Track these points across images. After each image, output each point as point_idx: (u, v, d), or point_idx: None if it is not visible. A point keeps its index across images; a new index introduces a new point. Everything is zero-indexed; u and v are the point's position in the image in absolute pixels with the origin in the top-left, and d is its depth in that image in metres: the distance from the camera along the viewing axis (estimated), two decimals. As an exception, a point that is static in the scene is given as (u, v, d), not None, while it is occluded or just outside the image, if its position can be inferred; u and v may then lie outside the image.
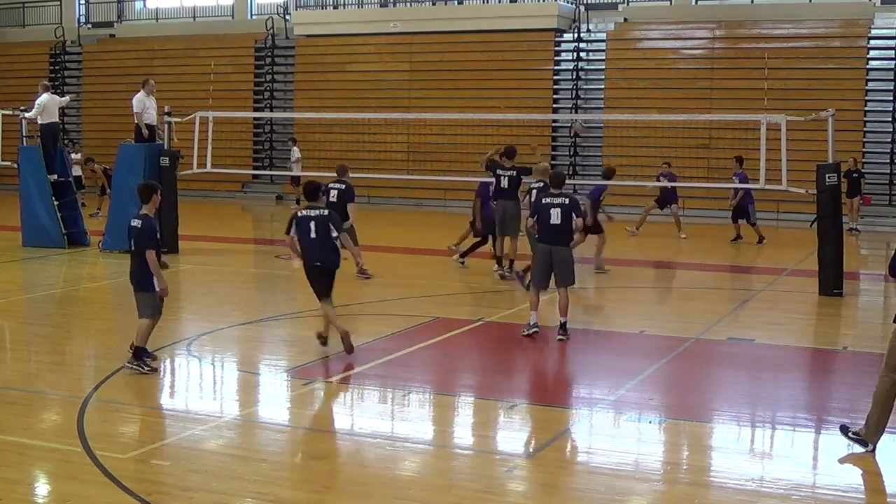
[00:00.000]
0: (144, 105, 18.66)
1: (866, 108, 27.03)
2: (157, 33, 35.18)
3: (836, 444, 8.20)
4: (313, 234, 11.15)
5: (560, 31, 30.17)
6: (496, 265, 16.02)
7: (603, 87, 29.50)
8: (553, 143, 29.84)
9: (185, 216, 19.33)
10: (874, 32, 27.38)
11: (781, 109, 19.05)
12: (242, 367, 11.11)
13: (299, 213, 11.35)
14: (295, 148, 29.73)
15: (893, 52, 27.09)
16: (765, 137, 15.81)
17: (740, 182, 20.71)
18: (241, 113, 30.57)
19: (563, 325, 11.87)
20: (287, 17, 33.37)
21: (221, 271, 17.38)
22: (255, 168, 32.44)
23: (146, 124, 18.69)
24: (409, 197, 29.02)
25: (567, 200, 12.00)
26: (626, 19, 30.05)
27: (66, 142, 27.18)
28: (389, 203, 29.03)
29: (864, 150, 26.60)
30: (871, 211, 25.67)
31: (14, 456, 7.81)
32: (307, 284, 10.91)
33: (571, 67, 29.74)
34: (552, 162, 29.01)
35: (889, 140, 26.84)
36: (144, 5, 36.71)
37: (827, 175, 14.93)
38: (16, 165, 20.26)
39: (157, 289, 10.12)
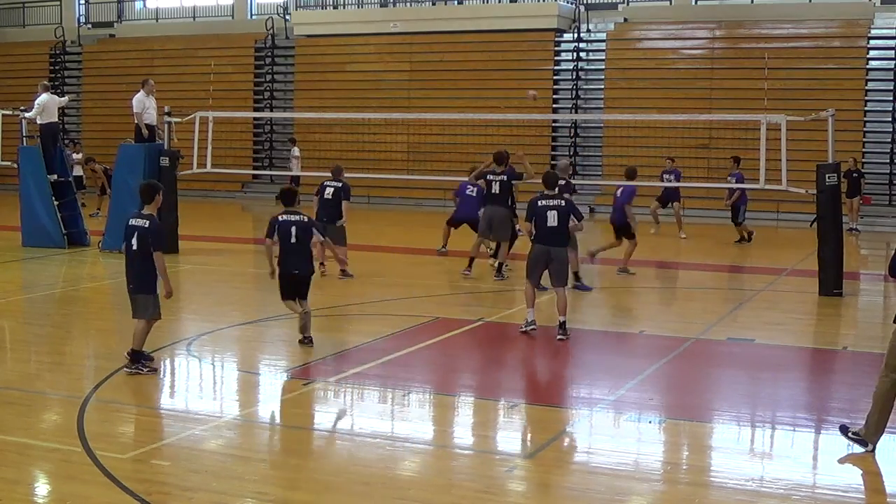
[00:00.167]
0: (144, 105, 18.66)
1: (866, 108, 27.05)
2: (157, 33, 35.19)
3: (836, 444, 8.20)
4: (293, 240, 11.25)
5: (560, 31, 30.18)
6: (467, 266, 16.05)
7: (603, 87, 29.52)
8: (553, 143, 29.85)
9: (185, 216, 19.33)
10: (874, 32, 27.39)
11: (781, 109, 19.05)
12: (242, 367, 11.11)
13: (280, 218, 11.39)
14: (295, 148, 29.74)
15: (893, 52, 27.11)
16: (765, 137, 15.80)
17: (737, 182, 20.70)
18: (241, 113, 30.57)
19: (562, 325, 11.88)
20: (287, 17, 33.37)
21: (221, 271, 17.38)
22: (255, 168, 32.45)
23: (146, 124, 18.69)
24: (409, 197, 29.03)
25: (563, 202, 12.10)
26: (626, 19, 30.06)
27: (66, 142, 27.21)
28: (389, 203, 29.05)
29: (864, 150, 26.62)
30: (871, 211, 25.68)
31: (14, 456, 7.81)
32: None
33: (571, 67, 29.75)
34: (551, 162, 29.06)
35: (889, 140, 26.85)
36: (144, 5, 36.71)
37: (827, 175, 14.94)
38: (16, 165, 20.27)
39: (165, 291, 10.12)
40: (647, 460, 8.10)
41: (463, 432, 8.93)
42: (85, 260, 18.73)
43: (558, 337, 11.84)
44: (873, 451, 7.90)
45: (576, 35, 29.86)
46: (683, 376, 10.78)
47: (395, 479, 7.45)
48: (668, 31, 29.62)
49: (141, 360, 10.09)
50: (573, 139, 29.40)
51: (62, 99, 21.65)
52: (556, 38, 30.18)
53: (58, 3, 36.71)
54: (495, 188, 15.87)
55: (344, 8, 34.05)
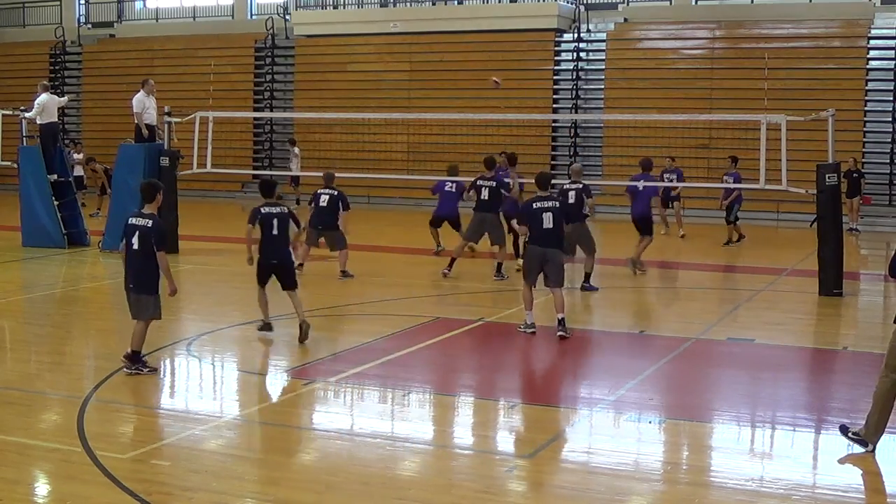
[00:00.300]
0: (144, 105, 18.67)
1: (866, 108, 27.03)
2: (157, 33, 35.17)
3: (836, 444, 8.20)
4: (275, 231, 11.65)
5: (560, 31, 30.16)
6: (448, 267, 16.09)
7: (603, 87, 29.50)
8: (553, 143, 29.84)
9: (185, 216, 19.34)
10: (874, 32, 27.37)
11: (781, 109, 19.03)
12: (242, 367, 11.11)
13: (262, 210, 11.74)
14: (295, 148, 29.75)
15: (893, 52, 27.09)
16: (765, 137, 15.81)
17: (734, 182, 20.66)
18: (241, 113, 30.56)
19: (561, 322, 11.93)
20: (287, 17, 33.36)
21: (221, 271, 17.38)
22: (255, 168, 32.43)
23: (146, 124, 18.70)
24: (409, 197, 28.99)
25: (557, 204, 12.25)
26: (626, 19, 30.05)
27: (67, 142, 27.21)
28: (389, 203, 29.04)
29: (864, 150, 26.60)
30: (871, 211, 25.67)
31: (14, 456, 7.81)
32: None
33: (571, 67, 29.73)
34: (551, 162, 29.11)
35: (889, 140, 26.84)
36: (144, 5, 36.70)
37: (827, 175, 14.94)
38: (16, 165, 20.28)
39: (169, 289, 10.14)
40: (647, 460, 8.10)
41: (463, 432, 8.93)
42: (85, 260, 18.74)
43: (559, 333, 11.86)
44: (873, 451, 7.91)
45: (576, 35, 29.84)
46: (683, 376, 10.78)
47: (395, 479, 7.45)
48: (668, 31, 29.61)
49: (141, 360, 10.09)
50: (573, 139, 29.39)
51: (62, 99, 21.66)
52: (556, 38, 30.16)
53: (58, 3, 36.69)
54: (484, 194, 15.91)
55: (344, 8, 34.03)
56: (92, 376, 10.31)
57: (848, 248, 16.59)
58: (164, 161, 18.56)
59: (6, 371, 10.65)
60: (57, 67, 36.04)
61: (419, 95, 29.82)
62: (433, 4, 32.37)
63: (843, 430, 8.12)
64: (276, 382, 10.41)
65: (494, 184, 15.99)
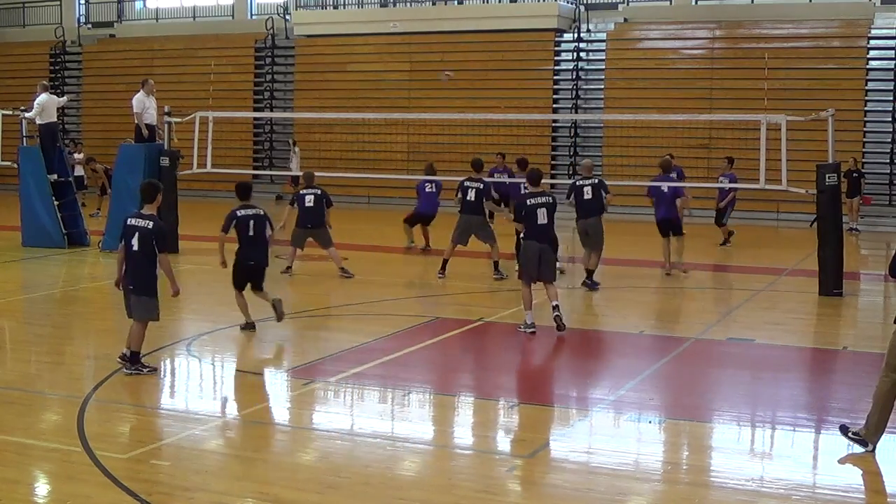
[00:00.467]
0: (144, 105, 18.67)
1: (866, 108, 27.02)
2: (157, 33, 35.16)
3: (836, 444, 8.20)
4: (251, 233, 11.91)
5: (560, 31, 30.15)
6: (441, 270, 16.11)
7: (603, 87, 29.49)
8: (553, 143, 29.84)
9: (185, 216, 19.34)
10: (874, 32, 27.36)
11: (781, 109, 19.04)
12: (242, 367, 11.11)
13: (238, 213, 11.95)
14: (296, 147, 29.77)
15: (893, 52, 27.08)
16: (765, 137, 15.81)
17: (730, 182, 20.61)
18: (241, 113, 30.56)
19: (556, 307, 12.15)
20: (287, 17, 33.36)
21: (221, 271, 17.25)
22: (255, 168, 32.42)
23: (146, 124, 18.69)
24: (409, 197, 28.85)
25: (550, 199, 12.40)
26: (626, 19, 30.04)
27: (67, 142, 27.20)
28: (389, 203, 29.00)
29: (864, 150, 26.59)
30: (871, 211, 25.66)
31: (14, 456, 7.81)
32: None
33: (571, 67, 29.72)
34: (551, 162, 29.10)
35: (889, 140, 26.82)
36: (144, 5, 36.69)
37: (827, 175, 14.94)
38: (16, 165, 20.28)
39: (173, 290, 10.15)
40: (647, 460, 8.10)
41: (463, 432, 8.93)
42: (85, 260, 18.74)
43: (555, 314, 12.05)
44: (873, 451, 7.90)
45: (576, 35, 29.83)
46: (683, 376, 10.78)
47: (395, 479, 7.45)
48: (668, 31, 29.60)
49: (140, 361, 10.09)
50: (573, 139, 29.38)
51: (61, 99, 21.65)
52: (556, 38, 30.15)
53: (58, 3, 36.68)
54: (470, 195, 15.95)
55: (344, 8, 34.02)
56: (92, 376, 10.30)
57: (848, 248, 16.58)
58: (164, 161, 18.56)
59: (6, 371, 10.65)
60: (57, 67, 36.03)
61: (419, 95, 29.81)
62: (433, 4, 32.37)
63: (844, 430, 8.12)
64: (276, 382, 10.41)
65: (482, 185, 16.05)
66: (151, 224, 9.98)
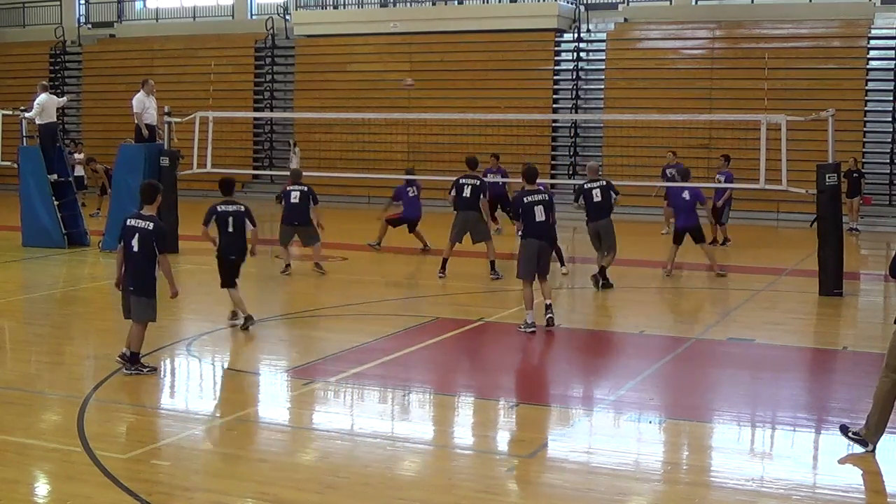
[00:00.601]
0: (144, 105, 18.67)
1: (866, 108, 27.01)
2: (157, 33, 35.16)
3: (836, 444, 8.20)
4: (230, 229, 12.22)
5: (560, 31, 30.15)
6: (441, 270, 16.12)
7: (603, 87, 29.48)
8: (553, 143, 29.83)
9: (185, 216, 19.30)
10: (874, 32, 27.35)
11: (781, 109, 19.04)
12: (242, 367, 11.11)
13: (218, 209, 12.31)
14: (296, 148, 29.78)
15: (893, 52, 27.07)
16: (765, 137, 15.81)
17: (726, 181, 20.60)
18: (241, 113, 30.55)
19: (549, 307, 12.30)
20: (287, 17, 33.35)
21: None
22: (255, 168, 32.42)
23: (146, 124, 18.70)
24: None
25: (546, 197, 12.50)
26: (626, 19, 30.04)
27: (68, 142, 27.19)
28: (389, 203, 28.99)
29: (864, 150, 26.58)
30: (871, 211, 25.66)
31: (14, 456, 7.81)
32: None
33: (571, 67, 29.71)
34: (551, 162, 29.10)
35: (889, 140, 26.81)
36: (144, 5, 36.69)
37: (827, 175, 14.93)
38: (16, 165, 20.28)
39: (171, 292, 10.16)
40: (647, 460, 8.10)
41: (463, 432, 8.93)
42: (85, 260, 18.74)
43: (547, 315, 12.17)
44: (873, 451, 7.90)
45: (576, 35, 29.82)
46: (683, 376, 10.78)
47: (395, 479, 7.45)
48: (668, 31, 29.59)
49: (140, 361, 10.09)
50: (573, 139, 29.37)
51: (61, 99, 21.65)
52: (556, 38, 30.14)
53: (58, 3, 36.67)
54: (466, 192, 15.96)
55: (344, 8, 34.02)
56: (92, 376, 10.30)
57: (848, 248, 16.58)
58: (164, 161, 18.56)
59: (6, 371, 10.65)
60: (57, 67, 36.03)
61: (419, 95, 29.76)
62: (433, 4, 32.36)
63: (844, 430, 8.12)
64: (276, 382, 10.40)
65: (478, 181, 16.06)
66: (152, 225, 9.97)
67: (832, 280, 14.93)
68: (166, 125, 19.02)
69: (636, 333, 12.81)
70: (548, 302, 12.33)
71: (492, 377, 10.72)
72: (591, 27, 30.02)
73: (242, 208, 12.36)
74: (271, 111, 33.25)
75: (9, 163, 20.98)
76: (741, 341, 12.07)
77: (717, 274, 16.65)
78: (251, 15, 34.92)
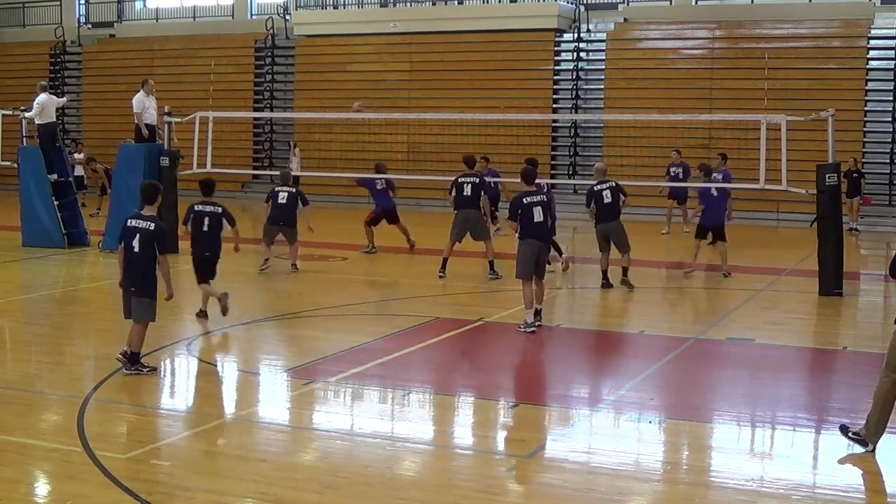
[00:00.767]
0: (144, 105, 18.67)
1: (866, 108, 27.01)
2: (157, 33, 35.16)
3: (836, 444, 8.20)
4: (205, 228, 12.57)
5: (560, 31, 30.15)
6: (441, 269, 16.12)
7: (603, 87, 29.48)
8: (553, 143, 29.84)
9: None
10: (874, 32, 27.36)
11: (781, 109, 19.03)
12: (242, 367, 11.11)
13: (196, 208, 12.65)
14: (296, 149, 29.78)
15: (893, 52, 27.07)
16: (765, 137, 15.81)
17: (723, 180, 20.55)
18: (241, 113, 30.55)
19: (539, 312, 12.38)
20: (287, 17, 33.36)
21: (221, 271, 17.28)
22: (255, 168, 32.43)
23: (146, 124, 18.69)
24: (409, 197, 28.93)
25: (545, 198, 12.59)
26: (626, 19, 30.04)
27: (68, 142, 27.18)
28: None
29: (864, 150, 26.59)
30: (871, 211, 25.66)
31: (14, 456, 7.81)
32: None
33: (571, 67, 29.72)
34: (551, 162, 29.09)
35: (889, 140, 26.82)
36: (144, 5, 36.69)
37: (827, 175, 14.94)
38: (16, 165, 20.28)
39: (167, 293, 10.16)
40: (647, 460, 8.10)
41: (463, 432, 8.93)
42: (85, 260, 18.73)
43: (536, 323, 12.21)
44: (873, 451, 7.90)
45: (576, 35, 29.82)
46: (683, 376, 10.78)
47: (395, 479, 7.45)
48: (668, 31, 29.59)
49: (140, 361, 10.09)
50: (573, 139, 29.38)
51: (61, 100, 21.65)
52: (556, 38, 30.14)
53: (58, 3, 36.67)
54: (467, 190, 15.94)
55: (344, 8, 34.02)
56: (92, 376, 10.30)
57: (848, 248, 16.59)
58: (164, 161, 18.56)
59: (6, 371, 10.65)
60: (57, 67, 36.03)
61: (419, 95, 29.81)
62: (433, 4, 32.36)
63: (844, 430, 8.12)
64: (276, 382, 10.40)
65: (477, 179, 16.06)
66: (153, 226, 9.97)
67: (832, 280, 14.93)
68: (166, 125, 19.02)
69: (636, 333, 12.81)
70: (538, 307, 12.39)
71: (492, 377, 10.73)
72: (591, 27, 30.03)
73: (220, 209, 12.68)
74: (271, 111, 33.25)
75: (9, 163, 20.98)
76: (741, 341, 12.07)
77: (724, 274, 16.63)
78: (251, 15, 34.93)
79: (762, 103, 25.30)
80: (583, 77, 29.70)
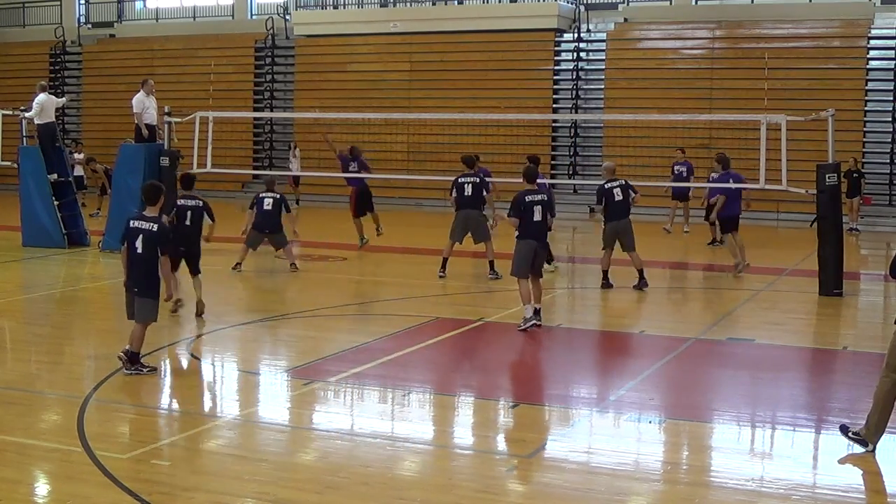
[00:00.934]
0: (144, 105, 18.66)
1: (866, 108, 27.03)
2: (157, 33, 35.17)
3: (836, 444, 8.20)
4: (188, 222, 12.76)
5: (560, 31, 30.16)
6: (441, 269, 16.11)
7: (603, 87, 29.49)
8: (553, 143, 29.84)
9: (185, 216, 19.31)
10: (874, 32, 27.37)
11: (781, 109, 19.04)
12: (242, 367, 11.11)
13: (178, 202, 12.82)
14: (296, 150, 29.79)
15: (893, 52, 27.09)
16: (765, 137, 15.81)
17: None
18: (241, 113, 30.55)
19: (537, 312, 12.36)
20: (287, 17, 33.36)
21: (221, 271, 17.36)
22: (255, 168, 32.43)
23: (146, 124, 18.69)
24: (408, 197, 29.00)
25: (545, 197, 12.63)
26: (626, 19, 30.05)
27: (68, 142, 27.18)
28: (389, 203, 28.94)
29: (864, 150, 26.60)
30: (871, 211, 25.67)
31: (14, 456, 7.81)
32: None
33: (571, 67, 29.73)
34: (551, 162, 29.10)
35: (889, 140, 26.83)
36: (144, 5, 36.70)
37: (827, 175, 14.94)
38: (16, 165, 20.28)
39: (166, 294, 10.17)
40: (647, 460, 8.09)
41: (463, 432, 8.93)
42: (85, 260, 18.73)
43: (535, 321, 12.19)
44: (873, 451, 7.90)
45: (576, 35, 29.83)
46: (683, 376, 10.78)
47: (395, 479, 7.45)
48: (668, 31, 29.60)
49: (140, 361, 10.09)
50: (573, 139, 29.39)
51: (60, 100, 21.64)
52: (556, 38, 30.15)
53: (58, 3, 36.68)
54: (467, 190, 15.92)
55: (344, 8, 34.03)
56: (92, 376, 10.30)
57: (848, 248, 16.59)
58: (164, 161, 18.54)
59: (6, 371, 10.65)
60: (57, 67, 36.03)
61: (419, 95, 29.82)
62: (433, 4, 32.37)
63: (844, 430, 8.12)
64: (276, 382, 10.40)
65: (477, 179, 16.03)
66: (156, 227, 9.99)
67: (832, 280, 14.93)
68: (166, 125, 19.01)
69: (636, 333, 12.81)
70: (537, 307, 12.37)
71: (492, 377, 10.72)
72: (591, 27, 30.03)
73: (201, 203, 12.89)
74: (271, 111, 33.25)
75: (9, 163, 20.98)
76: (741, 341, 12.07)
77: (736, 266, 16.62)
78: (251, 15, 34.94)
79: (762, 103, 25.30)
80: (583, 77, 29.71)
